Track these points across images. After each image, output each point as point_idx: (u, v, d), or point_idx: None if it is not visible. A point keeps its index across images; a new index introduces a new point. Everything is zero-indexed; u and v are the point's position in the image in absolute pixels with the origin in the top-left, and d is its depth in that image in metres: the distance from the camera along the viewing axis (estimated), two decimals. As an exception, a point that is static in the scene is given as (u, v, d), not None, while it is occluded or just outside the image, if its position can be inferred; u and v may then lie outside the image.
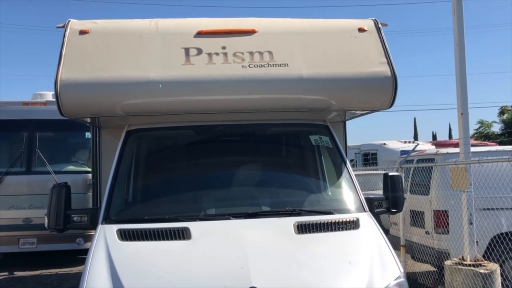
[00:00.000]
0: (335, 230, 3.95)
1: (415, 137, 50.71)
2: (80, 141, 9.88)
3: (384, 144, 17.66)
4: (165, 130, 4.86)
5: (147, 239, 3.78)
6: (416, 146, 9.87)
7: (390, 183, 4.57)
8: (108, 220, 4.07)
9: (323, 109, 4.81)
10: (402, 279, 3.56)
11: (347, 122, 6.07)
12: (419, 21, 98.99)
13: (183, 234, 3.77)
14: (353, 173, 4.63)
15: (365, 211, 4.27)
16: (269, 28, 4.73)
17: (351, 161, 18.60)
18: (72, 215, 4.28)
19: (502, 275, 6.37)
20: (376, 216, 4.39)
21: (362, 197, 4.39)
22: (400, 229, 7.65)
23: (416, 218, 8.10)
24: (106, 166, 5.52)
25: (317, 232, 3.90)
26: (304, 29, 4.78)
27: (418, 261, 8.21)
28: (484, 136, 41.80)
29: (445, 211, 7.44)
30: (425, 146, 14.24)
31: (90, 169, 7.75)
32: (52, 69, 4.33)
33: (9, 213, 9.21)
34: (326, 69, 4.50)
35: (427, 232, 7.83)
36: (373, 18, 4.94)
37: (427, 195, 7.87)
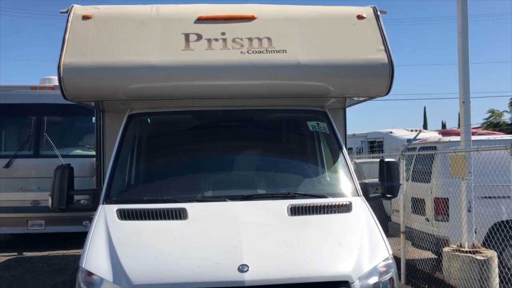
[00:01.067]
0: (327, 213, 4.04)
1: (425, 126, 50.42)
2: (88, 125, 9.91)
3: (391, 132, 17.58)
4: (165, 114, 4.96)
5: (146, 219, 3.90)
6: (418, 134, 9.85)
7: (386, 169, 4.64)
8: (108, 201, 4.20)
9: (321, 95, 4.87)
10: (390, 261, 3.65)
11: (348, 110, 6.12)
12: (429, 9, 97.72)
13: (180, 214, 3.89)
14: (349, 159, 4.70)
15: (358, 196, 4.35)
16: (269, 15, 4.78)
17: (356, 148, 18.64)
18: (78, 197, 4.42)
19: (501, 263, 6.42)
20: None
21: (357, 182, 4.46)
22: (401, 216, 7.71)
23: (417, 205, 8.15)
24: (109, 150, 5.63)
25: (310, 214, 3.99)
26: (303, 16, 4.82)
27: (418, 247, 8.28)
28: (494, 125, 41.35)
29: (445, 198, 7.48)
30: (428, 134, 14.18)
31: (97, 153, 7.88)
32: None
33: (18, 195, 9.40)
34: (324, 56, 4.56)
35: (427, 219, 7.89)
36: (372, 6, 4.97)
37: (428, 182, 7.92)
